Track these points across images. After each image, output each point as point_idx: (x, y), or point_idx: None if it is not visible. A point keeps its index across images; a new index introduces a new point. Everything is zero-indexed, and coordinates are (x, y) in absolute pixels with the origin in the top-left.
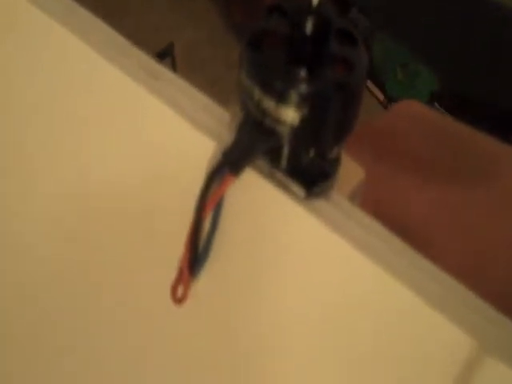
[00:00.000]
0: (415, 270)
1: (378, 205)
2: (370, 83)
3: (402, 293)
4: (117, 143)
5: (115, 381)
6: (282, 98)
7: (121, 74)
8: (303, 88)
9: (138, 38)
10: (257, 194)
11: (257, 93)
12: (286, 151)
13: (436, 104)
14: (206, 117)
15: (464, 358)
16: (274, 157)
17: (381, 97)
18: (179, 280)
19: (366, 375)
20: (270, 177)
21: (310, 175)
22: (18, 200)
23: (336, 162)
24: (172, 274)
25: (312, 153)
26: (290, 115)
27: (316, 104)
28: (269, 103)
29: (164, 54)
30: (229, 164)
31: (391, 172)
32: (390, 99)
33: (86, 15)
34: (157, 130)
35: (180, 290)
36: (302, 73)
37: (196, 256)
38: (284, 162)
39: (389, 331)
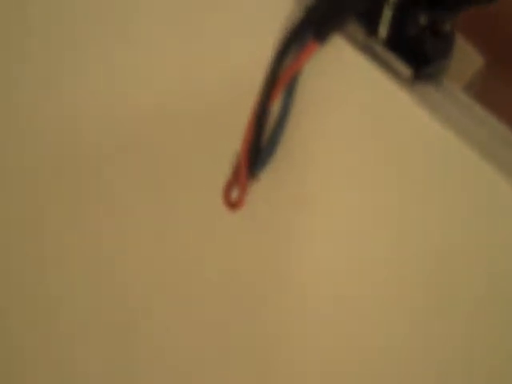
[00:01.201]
0: None
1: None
2: None
3: None
4: None
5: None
6: None
7: None
8: None
9: None
10: (346, 71)
11: None
12: (389, 13)
13: None
14: None
15: None
16: (372, 21)
17: None
18: (234, 180)
19: None
20: (365, 49)
21: (419, 51)
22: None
23: (450, 39)
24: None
25: (423, 19)
26: None
27: None
28: None
29: None
30: (313, 26)
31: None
32: None
33: None
34: None
35: (235, 193)
36: None
37: (258, 149)
38: (386, 30)
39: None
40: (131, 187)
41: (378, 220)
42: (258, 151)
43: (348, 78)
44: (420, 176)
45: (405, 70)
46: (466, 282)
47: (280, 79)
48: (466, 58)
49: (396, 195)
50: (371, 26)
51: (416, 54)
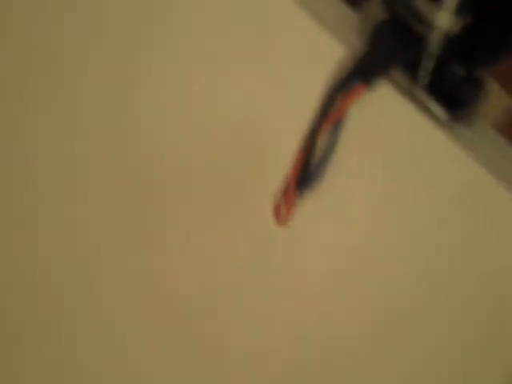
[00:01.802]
0: None
1: None
2: None
3: None
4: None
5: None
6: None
7: None
8: None
9: None
10: (390, 112)
11: None
12: (430, 64)
13: None
14: (335, 17)
15: None
16: (414, 70)
17: None
18: (283, 199)
19: None
20: (407, 94)
21: (454, 96)
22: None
23: (482, 84)
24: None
25: (459, 70)
26: (448, 21)
27: (484, 12)
28: (424, 4)
29: None
30: (361, 72)
31: None
32: None
33: None
34: (279, 29)
35: (284, 210)
36: None
37: (305, 174)
38: (426, 78)
39: None
40: (192, 207)
41: (415, 243)
42: (305, 176)
43: (391, 119)
44: (451, 204)
45: (442, 113)
46: None
47: (329, 116)
48: (495, 98)
49: (432, 225)
50: (413, 74)
51: (452, 98)
